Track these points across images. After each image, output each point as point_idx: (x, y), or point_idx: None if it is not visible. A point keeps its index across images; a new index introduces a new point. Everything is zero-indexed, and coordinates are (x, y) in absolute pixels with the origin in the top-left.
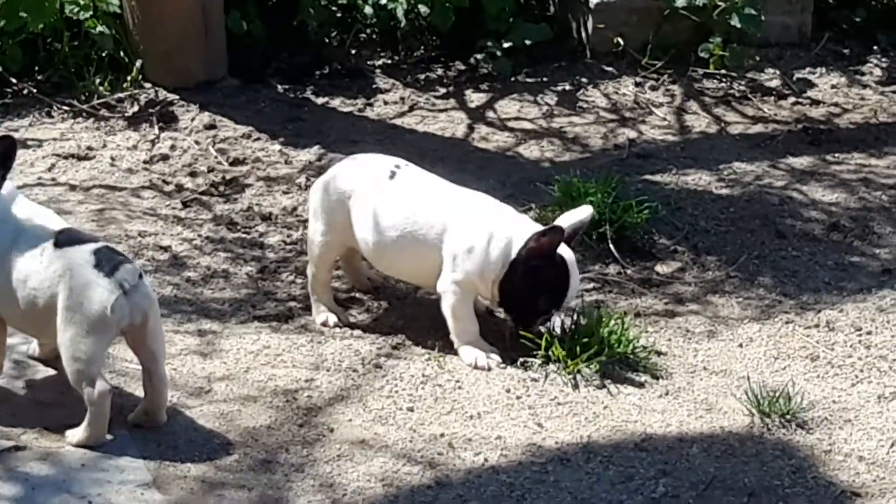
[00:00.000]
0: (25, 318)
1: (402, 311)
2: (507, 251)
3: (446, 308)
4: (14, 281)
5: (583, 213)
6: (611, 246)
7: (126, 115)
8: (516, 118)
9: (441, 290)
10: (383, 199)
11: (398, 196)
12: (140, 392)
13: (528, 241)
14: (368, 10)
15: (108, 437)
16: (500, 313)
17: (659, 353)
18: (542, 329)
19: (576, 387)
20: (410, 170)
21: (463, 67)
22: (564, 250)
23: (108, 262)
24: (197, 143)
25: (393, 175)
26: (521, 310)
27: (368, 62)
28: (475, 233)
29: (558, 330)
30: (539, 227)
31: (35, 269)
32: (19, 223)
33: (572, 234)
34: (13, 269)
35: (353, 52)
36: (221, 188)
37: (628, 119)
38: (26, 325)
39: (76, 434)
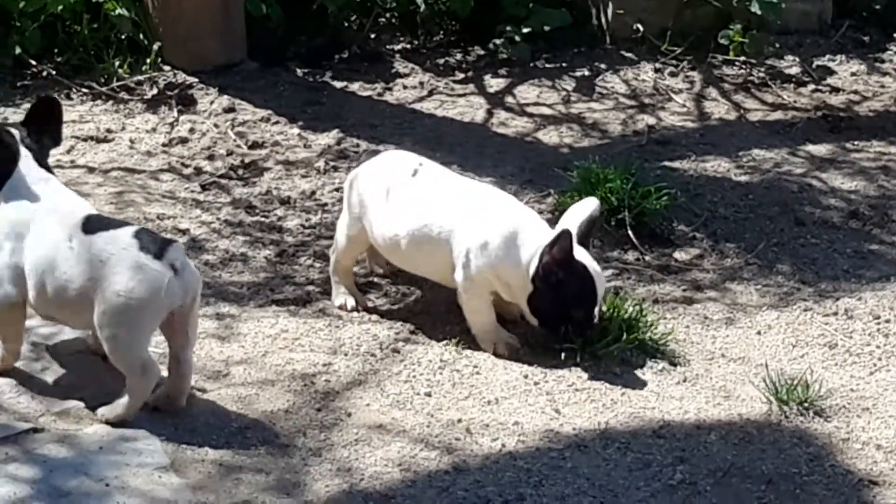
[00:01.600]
0: (55, 306)
1: (420, 297)
2: (517, 250)
3: (462, 302)
4: (39, 268)
5: (589, 207)
6: (629, 232)
7: (145, 97)
8: (535, 104)
9: (457, 284)
10: (403, 196)
11: (417, 193)
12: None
13: (541, 256)
14: None
15: None
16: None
17: (677, 340)
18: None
19: (594, 373)
20: (432, 168)
21: (482, 52)
22: (582, 255)
23: (153, 243)
24: (216, 126)
25: (415, 173)
26: (558, 326)
27: (388, 46)
28: (488, 229)
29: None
30: (548, 230)
31: (65, 256)
32: (43, 207)
33: (586, 231)
34: (38, 256)
35: (373, 36)
36: (240, 171)
37: (647, 105)
38: (57, 312)
39: (111, 410)
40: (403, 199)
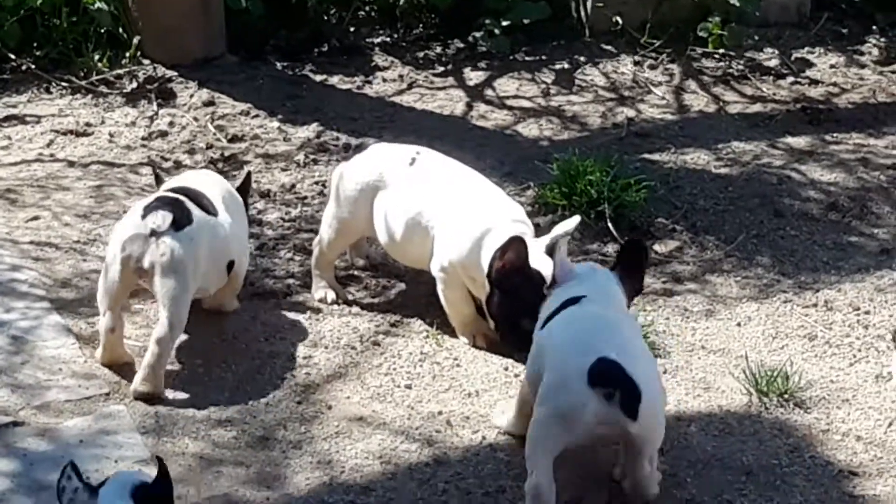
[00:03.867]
0: None
1: (400, 289)
2: (481, 250)
3: (439, 292)
4: None
5: (572, 222)
6: (609, 224)
7: (124, 91)
8: (515, 96)
9: (434, 274)
10: (400, 187)
11: (413, 182)
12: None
13: (491, 262)
14: None
15: None
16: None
17: (657, 332)
18: None
19: None
20: (429, 157)
21: (461, 45)
22: (542, 263)
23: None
24: (195, 119)
25: (413, 162)
26: (508, 332)
27: (367, 39)
28: (463, 225)
29: None
30: (522, 231)
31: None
32: None
33: (554, 245)
34: None
35: (352, 29)
36: (220, 165)
37: (627, 98)
38: None
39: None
40: (401, 188)
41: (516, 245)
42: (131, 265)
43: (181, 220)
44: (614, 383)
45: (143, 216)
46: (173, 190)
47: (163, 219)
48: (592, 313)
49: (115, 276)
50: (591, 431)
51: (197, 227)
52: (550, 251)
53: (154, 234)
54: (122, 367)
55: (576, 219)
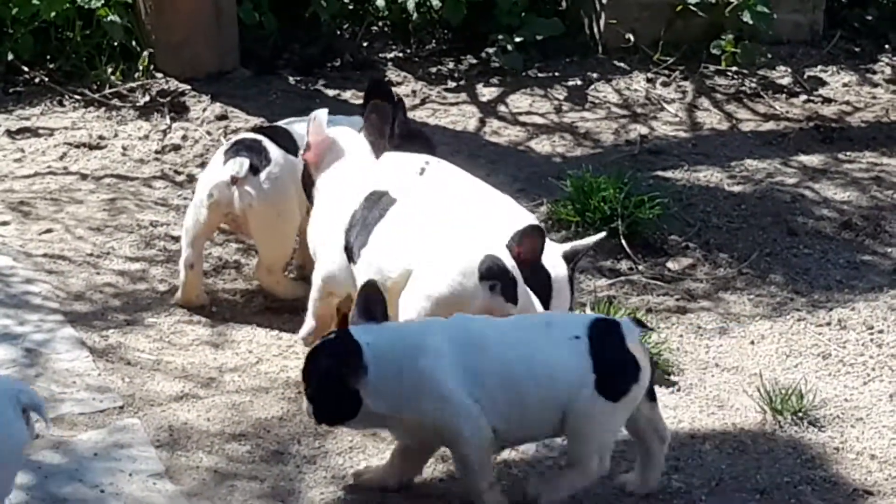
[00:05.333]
0: None
1: None
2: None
3: None
4: None
5: (593, 238)
6: (622, 241)
7: (138, 104)
8: (528, 112)
9: None
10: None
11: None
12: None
13: (508, 244)
14: (380, 2)
15: None
16: None
17: (670, 350)
18: None
19: None
20: (439, 167)
21: (474, 61)
22: (556, 265)
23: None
24: (208, 133)
25: (422, 171)
26: None
27: (380, 55)
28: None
29: None
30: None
31: None
32: None
33: (571, 255)
34: None
35: (365, 44)
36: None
37: (640, 115)
38: None
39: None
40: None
41: (535, 236)
42: (221, 210)
43: (258, 164)
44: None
45: (224, 162)
46: (257, 129)
47: (240, 165)
48: None
49: (201, 217)
50: None
51: (275, 166)
52: (569, 259)
53: (234, 180)
54: (136, 379)
55: (601, 235)
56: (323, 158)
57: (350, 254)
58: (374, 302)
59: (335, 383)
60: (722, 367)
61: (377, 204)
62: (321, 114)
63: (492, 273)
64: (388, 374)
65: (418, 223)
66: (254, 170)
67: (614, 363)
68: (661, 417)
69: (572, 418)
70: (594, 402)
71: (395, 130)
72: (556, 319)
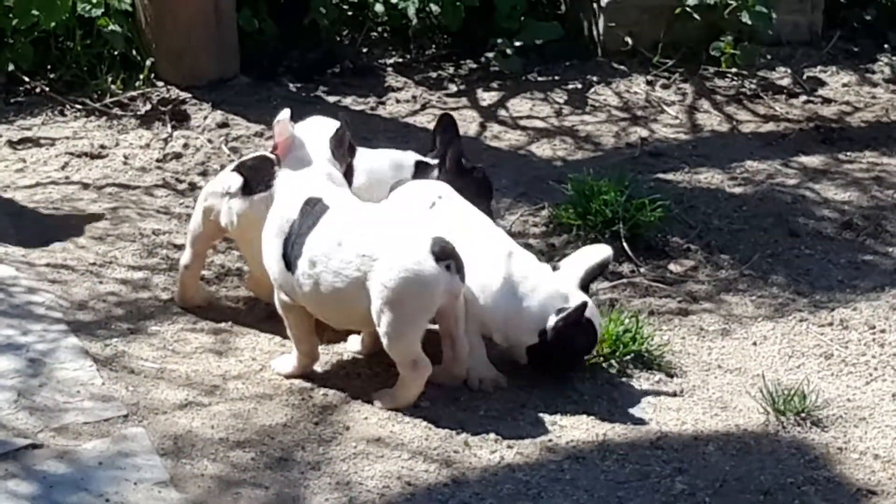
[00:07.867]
0: None
1: None
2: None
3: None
4: None
5: (601, 253)
6: (624, 244)
7: (138, 113)
8: (528, 116)
9: None
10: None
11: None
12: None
13: (556, 324)
14: (380, 8)
15: None
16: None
17: (673, 352)
18: None
19: (591, 385)
20: (450, 201)
21: (474, 66)
22: (577, 297)
23: None
24: (210, 141)
25: (433, 205)
26: (559, 370)
27: (380, 60)
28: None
29: None
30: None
31: None
32: None
33: (590, 276)
34: None
35: (365, 50)
36: None
37: (640, 118)
38: None
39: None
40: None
41: (578, 312)
42: (211, 217)
43: (254, 186)
44: None
45: (230, 172)
46: None
47: (235, 181)
48: None
49: (198, 219)
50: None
51: (271, 196)
52: (585, 287)
53: (228, 194)
54: (140, 387)
55: (606, 252)
56: (285, 157)
57: (288, 263)
58: None
59: None
60: (724, 368)
61: (311, 212)
62: (285, 114)
63: (445, 253)
64: None
65: (353, 228)
66: (247, 190)
67: None
68: None
69: None
70: None
71: (446, 164)
72: None
